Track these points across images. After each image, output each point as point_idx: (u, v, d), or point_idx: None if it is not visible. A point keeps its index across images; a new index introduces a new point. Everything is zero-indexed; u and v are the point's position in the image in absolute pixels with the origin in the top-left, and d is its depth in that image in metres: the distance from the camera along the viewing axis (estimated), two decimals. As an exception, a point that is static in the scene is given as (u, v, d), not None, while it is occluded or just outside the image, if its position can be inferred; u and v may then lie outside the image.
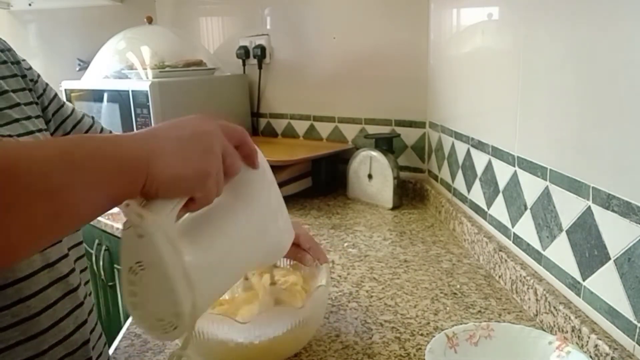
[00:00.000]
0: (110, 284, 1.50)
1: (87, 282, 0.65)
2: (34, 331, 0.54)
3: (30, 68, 0.72)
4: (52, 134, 0.72)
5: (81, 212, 0.43)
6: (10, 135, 0.59)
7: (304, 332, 0.69)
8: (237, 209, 0.56)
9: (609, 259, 0.64)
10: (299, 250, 0.78)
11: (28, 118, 0.64)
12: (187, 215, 0.53)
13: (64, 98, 1.76)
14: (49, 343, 0.56)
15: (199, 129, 0.50)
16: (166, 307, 0.46)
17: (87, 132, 0.78)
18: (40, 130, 0.65)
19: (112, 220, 1.39)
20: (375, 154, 1.39)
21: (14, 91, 0.64)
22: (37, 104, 0.69)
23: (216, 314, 0.65)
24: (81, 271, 0.64)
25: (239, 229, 0.55)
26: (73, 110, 0.78)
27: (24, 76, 0.69)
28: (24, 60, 0.71)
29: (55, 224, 0.41)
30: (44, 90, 0.72)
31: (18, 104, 0.63)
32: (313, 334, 0.73)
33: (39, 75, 0.73)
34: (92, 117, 0.82)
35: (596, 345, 0.63)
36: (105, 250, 1.46)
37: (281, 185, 1.41)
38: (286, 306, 0.70)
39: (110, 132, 0.84)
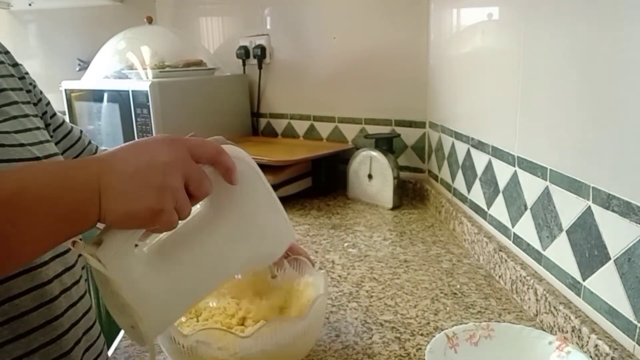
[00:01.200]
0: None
1: (76, 282, 0.63)
2: (24, 329, 0.54)
3: (27, 73, 0.72)
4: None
5: (31, 252, 0.46)
6: (7, 132, 0.59)
7: (304, 343, 0.68)
8: (213, 224, 0.56)
9: (609, 259, 0.64)
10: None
11: (26, 116, 0.64)
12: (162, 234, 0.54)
13: (64, 98, 1.77)
14: (39, 342, 0.56)
15: (157, 159, 0.48)
16: (131, 319, 0.50)
17: (76, 142, 0.79)
18: (37, 128, 0.65)
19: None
20: (375, 154, 1.39)
21: (12, 90, 0.65)
22: (35, 104, 0.69)
23: (216, 327, 0.65)
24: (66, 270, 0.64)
25: (209, 247, 0.55)
26: (63, 121, 0.79)
27: (22, 78, 0.69)
28: (21, 64, 0.72)
29: (5, 265, 0.44)
30: (40, 96, 0.73)
31: (16, 102, 0.64)
32: (313, 344, 0.72)
33: (34, 82, 0.74)
34: (80, 131, 0.83)
35: (596, 345, 0.63)
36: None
37: (281, 185, 1.42)
38: (286, 317, 0.69)
39: (97, 147, 0.85)
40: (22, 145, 0.60)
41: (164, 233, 0.54)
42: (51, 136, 0.72)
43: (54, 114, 0.76)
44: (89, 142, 0.83)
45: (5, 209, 0.42)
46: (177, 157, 0.49)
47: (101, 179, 0.46)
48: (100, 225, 0.49)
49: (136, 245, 0.51)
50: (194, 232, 0.55)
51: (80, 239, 0.49)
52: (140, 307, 0.49)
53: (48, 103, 0.75)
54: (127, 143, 0.52)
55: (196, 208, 0.55)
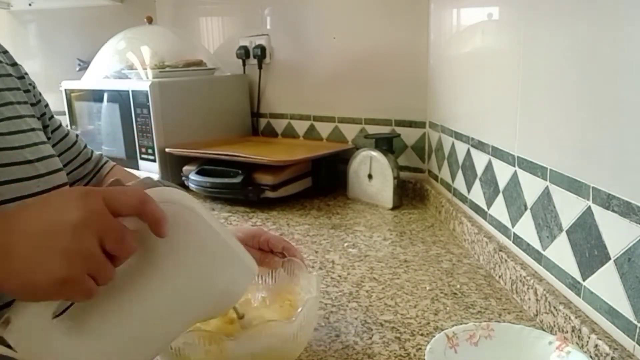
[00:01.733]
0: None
1: None
2: None
3: (27, 73, 0.72)
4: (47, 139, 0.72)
5: None
6: (1, 134, 0.58)
7: (294, 346, 0.66)
8: (148, 281, 0.48)
9: (609, 259, 0.64)
10: (266, 255, 0.76)
11: (21, 117, 0.64)
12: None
13: (64, 98, 1.77)
14: None
15: (64, 217, 0.42)
16: None
17: (72, 146, 0.78)
18: (33, 130, 0.65)
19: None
20: (375, 154, 1.39)
21: (8, 89, 0.64)
22: (33, 105, 0.69)
23: (204, 329, 0.63)
24: None
25: (149, 306, 0.48)
26: (60, 124, 0.78)
27: (21, 77, 0.69)
28: (20, 65, 0.72)
29: None
30: (40, 97, 0.73)
31: (11, 103, 0.63)
32: (303, 347, 0.70)
33: (33, 83, 0.73)
34: (76, 135, 0.82)
35: (596, 345, 0.63)
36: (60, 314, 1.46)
37: (281, 185, 1.42)
38: (274, 320, 0.67)
39: (92, 152, 0.84)
40: (14, 148, 0.59)
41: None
42: (49, 138, 0.72)
43: (52, 117, 0.76)
44: (85, 146, 0.82)
45: None
46: (89, 213, 0.42)
47: (1, 242, 0.41)
48: None
49: (58, 315, 0.45)
50: (126, 290, 0.47)
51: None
52: None
53: (47, 105, 0.75)
54: (38, 197, 0.47)
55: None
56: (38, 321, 0.42)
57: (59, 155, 0.74)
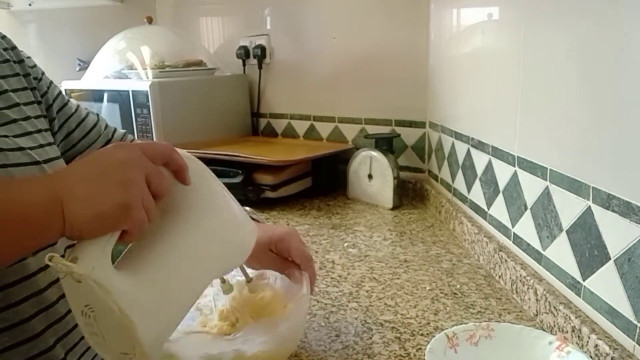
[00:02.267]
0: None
1: None
2: (23, 337, 0.54)
3: (35, 66, 0.71)
4: (56, 132, 0.72)
5: None
6: (6, 136, 0.58)
7: (286, 345, 0.66)
8: (177, 228, 0.54)
9: (609, 259, 0.64)
10: (288, 265, 0.75)
11: (27, 119, 0.63)
12: (130, 245, 0.52)
13: (64, 98, 1.76)
14: (39, 349, 0.55)
15: (111, 159, 0.48)
16: (125, 342, 0.47)
17: (91, 130, 0.78)
18: (39, 131, 0.64)
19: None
20: (375, 154, 1.39)
21: (14, 91, 0.64)
22: (39, 103, 0.68)
23: (195, 330, 0.64)
24: None
25: (183, 248, 0.54)
26: (77, 107, 0.77)
27: (27, 75, 0.68)
28: (28, 57, 0.71)
29: None
30: (48, 87, 0.72)
31: (17, 104, 0.63)
32: (294, 348, 0.70)
33: (43, 73, 0.72)
34: (97, 115, 0.81)
35: (596, 345, 0.63)
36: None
37: (281, 185, 1.42)
38: (266, 319, 0.68)
39: (115, 129, 0.84)
40: (21, 149, 0.59)
41: (132, 245, 0.52)
42: (56, 131, 0.72)
43: (65, 104, 0.74)
44: (106, 126, 0.82)
45: None
46: (132, 156, 0.49)
47: (57, 188, 0.45)
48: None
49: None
50: (160, 238, 0.53)
51: (63, 255, 0.47)
52: (133, 316, 0.46)
53: (58, 94, 0.74)
54: (81, 159, 0.51)
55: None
56: (101, 259, 0.46)
57: (77, 142, 0.75)
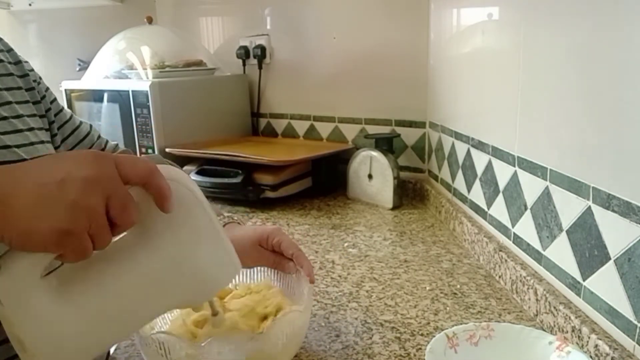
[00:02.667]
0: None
1: None
2: None
3: (32, 70, 0.72)
4: (54, 135, 0.72)
5: None
6: None
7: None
8: (139, 255, 0.48)
9: (609, 259, 0.64)
10: (280, 259, 0.75)
11: (19, 117, 0.63)
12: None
13: (64, 98, 1.77)
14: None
15: (76, 173, 0.41)
16: (18, 347, 0.44)
17: (84, 138, 0.78)
18: (31, 129, 0.64)
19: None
20: (375, 154, 1.39)
21: (8, 89, 0.64)
22: (36, 103, 0.69)
23: (170, 332, 0.62)
24: None
25: (135, 281, 0.48)
26: (71, 116, 0.78)
27: (24, 75, 0.68)
28: (26, 62, 0.71)
29: None
30: (46, 91, 0.72)
31: (9, 102, 0.63)
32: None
33: (40, 78, 0.73)
34: (90, 125, 0.81)
35: (596, 345, 0.63)
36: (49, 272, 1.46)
37: (281, 185, 1.42)
38: (241, 331, 0.64)
39: (107, 141, 0.84)
40: (7, 147, 0.59)
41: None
42: (55, 135, 0.72)
43: (60, 111, 0.75)
44: (99, 137, 0.82)
45: None
46: (100, 174, 0.42)
47: (3, 188, 0.40)
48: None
49: (47, 273, 0.45)
50: (114, 262, 0.47)
51: None
52: (36, 347, 0.42)
53: (54, 100, 0.74)
54: (46, 155, 0.46)
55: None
56: (26, 273, 0.42)
57: (71, 149, 0.73)
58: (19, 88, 0.66)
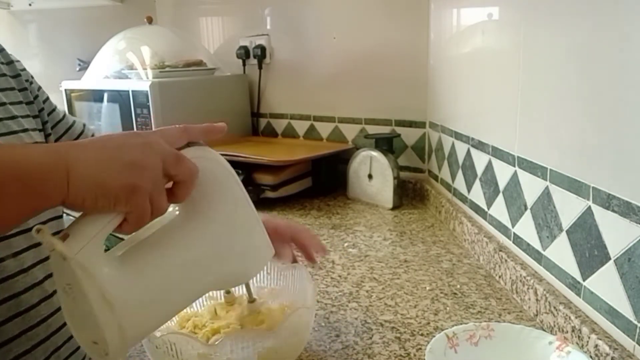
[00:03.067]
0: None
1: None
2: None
3: (24, 69, 0.71)
4: (48, 135, 0.72)
5: None
6: None
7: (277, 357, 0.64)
8: (185, 230, 0.51)
9: (609, 259, 0.64)
10: (276, 245, 0.74)
11: (13, 118, 0.63)
12: (131, 236, 0.49)
13: (64, 98, 1.77)
14: (14, 353, 0.55)
15: (131, 140, 0.45)
16: (95, 331, 0.44)
17: (78, 137, 0.78)
18: (25, 130, 0.64)
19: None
20: (375, 154, 1.39)
21: (1, 90, 0.64)
22: (29, 103, 0.68)
23: (182, 332, 0.63)
24: None
25: (183, 254, 0.50)
26: (64, 115, 0.77)
27: (16, 76, 0.68)
28: (17, 61, 0.71)
29: None
30: (38, 91, 0.72)
31: (3, 104, 0.63)
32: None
33: (32, 77, 0.73)
34: (84, 124, 0.81)
35: (596, 345, 0.63)
36: (105, 250, 1.46)
37: (281, 185, 1.42)
38: (258, 328, 0.66)
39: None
40: None
41: (142, 234, 0.49)
42: (49, 134, 0.72)
43: (53, 110, 0.75)
44: (92, 135, 0.82)
45: None
46: (152, 139, 0.46)
47: (69, 152, 0.42)
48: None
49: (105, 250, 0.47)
50: (166, 237, 0.50)
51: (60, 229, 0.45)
52: (106, 308, 0.43)
53: (47, 99, 0.74)
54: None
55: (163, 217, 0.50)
56: (92, 242, 0.44)
57: None
58: (12, 89, 0.66)
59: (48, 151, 0.43)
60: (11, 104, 0.64)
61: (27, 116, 0.67)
